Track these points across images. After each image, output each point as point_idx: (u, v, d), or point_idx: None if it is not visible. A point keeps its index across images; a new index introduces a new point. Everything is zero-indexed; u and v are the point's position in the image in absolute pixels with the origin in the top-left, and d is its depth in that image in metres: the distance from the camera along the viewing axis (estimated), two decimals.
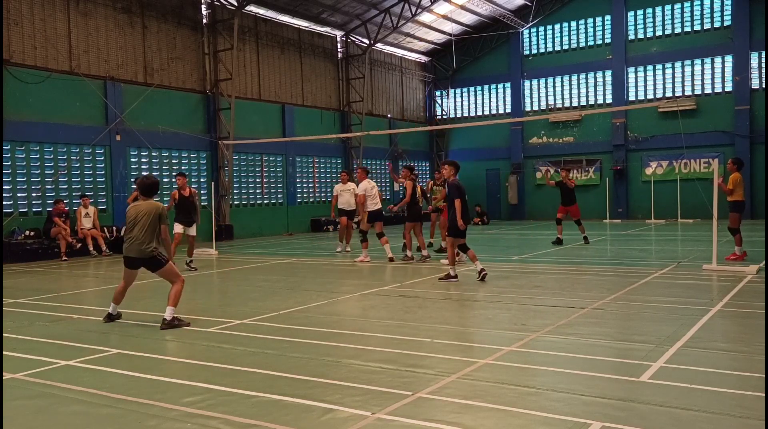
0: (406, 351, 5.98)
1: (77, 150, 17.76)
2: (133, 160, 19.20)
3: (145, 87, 19.30)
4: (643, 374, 5.05)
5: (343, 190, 15.90)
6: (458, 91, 32.79)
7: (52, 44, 17.16)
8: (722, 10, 26.23)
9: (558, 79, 29.83)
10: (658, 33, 27.54)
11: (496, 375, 5.16)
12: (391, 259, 13.50)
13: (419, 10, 26.20)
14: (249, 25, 22.82)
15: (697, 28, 26.75)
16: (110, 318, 7.70)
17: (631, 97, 28.18)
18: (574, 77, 29.42)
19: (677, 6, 27.03)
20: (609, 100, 28.50)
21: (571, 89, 29.64)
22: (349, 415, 4.31)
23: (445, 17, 28.08)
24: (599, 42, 28.82)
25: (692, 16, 26.82)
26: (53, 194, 17.11)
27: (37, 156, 16.94)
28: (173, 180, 20.33)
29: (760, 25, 24.67)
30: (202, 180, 21.26)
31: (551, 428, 4.04)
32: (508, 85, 31.04)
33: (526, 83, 30.61)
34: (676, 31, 27.19)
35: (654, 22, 27.60)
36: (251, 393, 4.83)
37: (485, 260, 13.23)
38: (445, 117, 33.05)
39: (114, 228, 17.64)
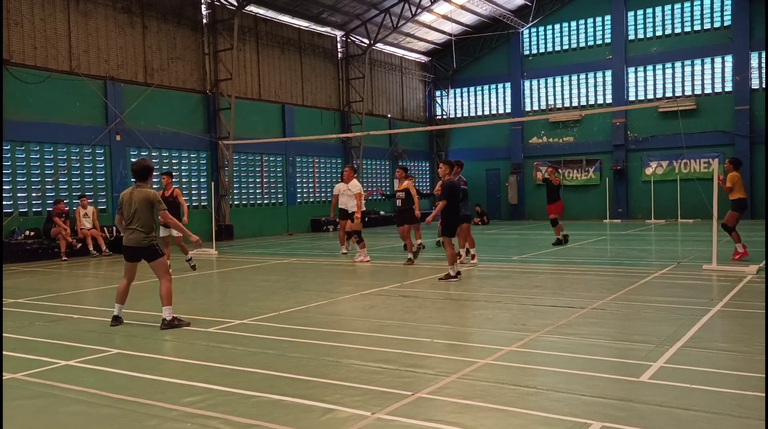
0: (406, 351, 5.97)
1: (77, 150, 17.76)
2: (133, 160, 19.18)
3: (145, 87, 19.31)
4: (643, 374, 5.05)
5: (344, 190, 15.69)
6: (458, 91, 32.80)
7: (52, 44, 17.16)
8: (722, 10, 26.23)
9: (558, 79, 29.83)
10: (658, 33, 27.54)
11: (496, 375, 5.16)
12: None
13: (419, 10, 26.20)
14: (249, 25, 22.83)
15: (697, 28, 26.75)
16: (117, 320, 7.56)
17: (631, 97, 28.19)
18: (574, 77, 29.42)
19: (677, 6, 27.03)
20: (609, 100, 28.50)
21: (571, 89, 29.64)
22: (349, 415, 4.31)
23: (445, 17, 28.08)
24: (599, 42, 28.82)
25: (692, 16, 26.82)
26: (53, 194, 17.11)
27: (37, 156, 16.94)
28: (173, 180, 20.39)
29: (760, 25, 24.67)
30: (202, 180, 21.27)
31: (551, 428, 4.04)
32: (508, 85, 31.04)
33: (526, 83, 30.61)
34: (676, 31, 27.19)
35: (654, 22, 27.61)
36: (251, 393, 4.83)
37: (485, 260, 13.28)
38: (445, 117, 33.05)
39: (114, 228, 17.63)
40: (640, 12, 27.85)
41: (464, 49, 30.98)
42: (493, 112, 31.79)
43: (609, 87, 28.53)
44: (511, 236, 20.54)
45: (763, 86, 25.15)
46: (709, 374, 5.06)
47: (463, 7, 27.88)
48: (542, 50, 30.22)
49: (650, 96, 27.72)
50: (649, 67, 27.76)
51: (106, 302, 8.81)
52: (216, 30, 21.45)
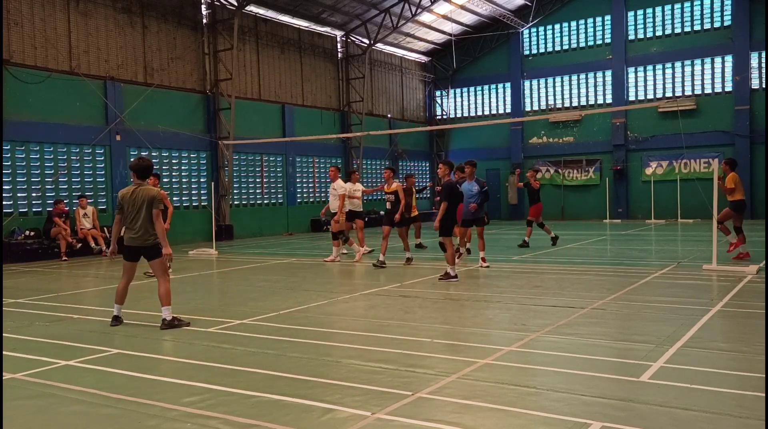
0: (406, 351, 5.97)
1: (77, 150, 17.76)
2: (133, 160, 19.17)
3: (145, 87, 19.31)
4: (643, 374, 5.05)
5: (351, 189, 15.16)
6: (458, 91, 32.80)
7: (52, 44, 17.16)
8: (722, 10, 26.23)
9: (558, 79, 29.83)
10: (658, 33, 27.54)
11: (496, 375, 5.16)
12: (332, 260, 13.82)
13: (419, 10, 26.20)
14: (249, 25, 22.83)
15: (697, 28, 26.75)
16: (117, 321, 7.56)
17: (631, 97, 28.19)
18: (574, 77, 29.42)
19: (677, 6, 27.03)
20: (609, 100, 28.51)
21: (571, 89, 29.64)
22: (349, 415, 4.31)
23: (445, 17, 28.08)
24: (599, 42, 28.82)
25: (692, 16, 26.82)
26: (53, 194, 17.10)
27: (37, 156, 16.93)
28: (173, 180, 20.42)
29: (760, 25, 24.67)
30: (202, 180, 21.26)
31: (551, 428, 4.04)
32: (508, 85, 31.05)
33: (526, 83, 30.61)
34: (676, 31, 27.20)
35: (654, 22, 27.61)
36: (251, 393, 4.82)
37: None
38: (445, 117, 33.05)
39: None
40: (640, 12, 27.85)
41: (464, 49, 30.98)
42: (493, 112, 31.79)
43: (609, 87, 28.53)
44: (511, 236, 20.52)
45: (763, 86, 25.15)
46: (709, 374, 5.06)
47: (463, 7, 27.89)
48: (542, 50, 30.22)
49: (650, 96, 27.72)
50: (649, 67, 27.76)
51: (106, 302, 8.81)
52: (216, 30, 21.44)
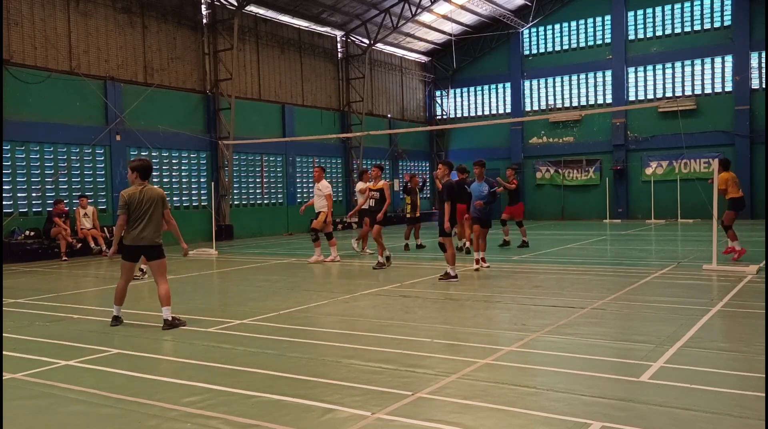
0: (406, 351, 5.97)
1: (77, 150, 17.76)
2: (133, 160, 19.17)
3: (145, 87, 19.31)
4: (643, 374, 5.05)
5: (361, 188, 14.80)
6: (458, 91, 32.80)
7: (52, 44, 17.16)
8: (722, 10, 26.24)
9: (558, 79, 29.84)
10: (658, 33, 27.54)
11: (496, 375, 5.16)
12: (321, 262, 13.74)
13: (419, 10, 26.20)
14: (249, 25, 22.82)
15: (697, 28, 26.75)
16: (117, 321, 7.56)
17: (631, 97, 28.19)
18: (574, 77, 29.43)
19: (677, 6, 27.03)
20: (609, 100, 28.51)
21: (571, 89, 29.65)
22: (349, 415, 4.31)
23: (445, 17, 28.08)
24: (599, 42, 28.82)
25: (692, 16, 26.82)
26: (53, 194, 17.10)
27: (37, 156, 16.93)
28: (173, 180, 20.43)
29: (760, 25, 24.68)
30: (202, 180, 21.26)
31: (551, 428, 4.04)
32: (508, 85, 31.05)
33: (526, 83, 30.62)
34: (676, 31, 27.20)
35: (654, 22, 27.61)
36: (251, 393, 4.82)
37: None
38: (445, 117, 33.06)
39: (114, 228, 17.62)
40: (640, 12, 27.85)
41: (464, 49, 30.98)
42: (493, 112, 31.79)
43: (609, 87, 28.54)
44: (511, 236, 20.51)
45: (763, 86, 25.15)
46: (709, 374, 5.06)
47: (463, 7, 27.89)
48: (542, 50, 30.23)
49: (650, 96, 27.73)
50: (649, 67, 27.77)
51: (106, 302, 8.80)
52: (216, 30, 21.44)
